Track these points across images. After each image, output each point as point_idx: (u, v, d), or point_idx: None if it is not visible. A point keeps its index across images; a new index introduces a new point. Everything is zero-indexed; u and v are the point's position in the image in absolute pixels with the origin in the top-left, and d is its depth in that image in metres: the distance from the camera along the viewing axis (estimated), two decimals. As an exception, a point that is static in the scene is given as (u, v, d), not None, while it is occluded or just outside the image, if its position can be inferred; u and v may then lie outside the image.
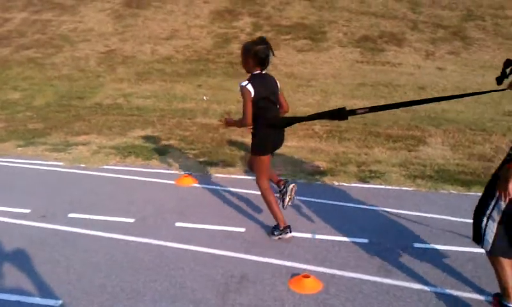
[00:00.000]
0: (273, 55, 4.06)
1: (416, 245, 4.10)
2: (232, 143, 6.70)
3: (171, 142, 6.98)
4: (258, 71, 4.03)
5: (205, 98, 9.29)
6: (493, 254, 3.16)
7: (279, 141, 4.24)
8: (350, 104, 7.96)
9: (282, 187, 4.31)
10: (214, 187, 5.46)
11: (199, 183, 5.54)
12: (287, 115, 4.37)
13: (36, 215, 4.76)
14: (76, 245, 4.21)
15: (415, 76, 11.00)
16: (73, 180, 5.70)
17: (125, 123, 7.87)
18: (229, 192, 5.32)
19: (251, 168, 4.46)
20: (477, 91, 4.11)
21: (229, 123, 4.31)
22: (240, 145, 6.75)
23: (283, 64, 11.48)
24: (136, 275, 3.68)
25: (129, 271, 3.77)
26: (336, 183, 5.50)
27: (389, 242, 4.14)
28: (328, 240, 4.20)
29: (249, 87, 3.94)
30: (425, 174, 5.71)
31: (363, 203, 4.96)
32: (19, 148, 6.81)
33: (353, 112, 4.03)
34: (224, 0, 14.57)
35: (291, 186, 4.31)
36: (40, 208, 4.88)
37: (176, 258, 3.94)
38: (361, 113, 4.02)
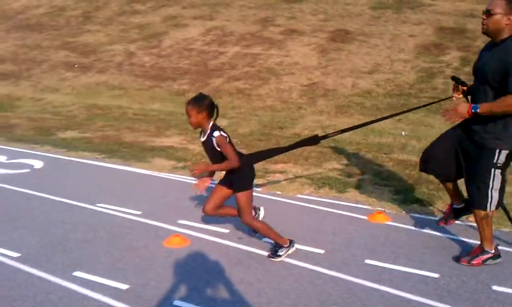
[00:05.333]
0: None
1: None
2: (429, 182, 6.36)
3: (366, 176, 6.89)
4: (212, 123, 4.35)
5: (403, 133, 9.03)
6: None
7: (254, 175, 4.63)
8: None
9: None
10: (409, 226, 5.22)
11: (392, 221, 5.35)
12: None
13: (234, 235, 5.04)
14: (267, 269, 4.34)
15: None
16: (269, 206, 5.92)
17: (321, 155, 7.98)
18: (424, 233, 5.05)
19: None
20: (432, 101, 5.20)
21: (207, 168, 4.43)
22: (438, 185, 6.38)
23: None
24: (322, 308, 3.66)
25: (315, 303, 3.76)
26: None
27: None
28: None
29: (222, 133, 4.32)
30: None
31: None
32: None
33: (325, 136, 4.97)
34: (432, 33, 14.11)
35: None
36: (238, 229, 5.15)
37: (364, 297, 3.83)
38: (333, 136, 4.88)
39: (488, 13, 3.98)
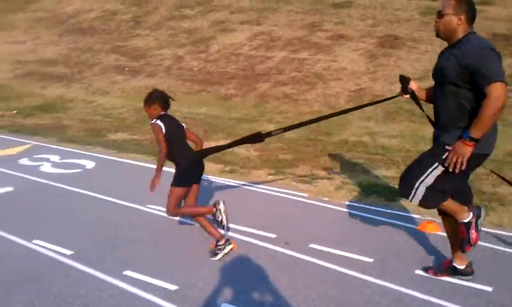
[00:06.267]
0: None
1: None
2: (482, 192, 6.20)
3: (415, 184, 6.75)
4: (163, 113, 4.68)
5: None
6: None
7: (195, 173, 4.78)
8: None
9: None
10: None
11: (443, 231, 5.23)
12: None
13: (280, 240, 5.03)
14: (314, 275, 4.32)
15: None
16: (316, 212, 5.90)
17: (369, 161, 7.89)
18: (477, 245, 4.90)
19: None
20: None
21: (155, 175, 4.65)
22: (491, 196, 6.21)
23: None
24: (370, 317, 3.61)
25: (364, 312, 3.72)
26: None
27: None
28: None
29: (159, 122, 4.58)
30: None
31: None
32: (270, 176, 7.33)
33: (269, 134, 4.78)
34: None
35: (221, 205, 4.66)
36: (284, 234, 5.14)
37: (414, 307, 3.76)
38: (276, 134, 4.74)
39: (440, 14, 3.84)
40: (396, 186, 6.61)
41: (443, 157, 3.75)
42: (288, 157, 8.28)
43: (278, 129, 4.71)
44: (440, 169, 3.79)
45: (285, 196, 6.48)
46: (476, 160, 3.77)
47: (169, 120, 4.69)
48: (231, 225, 5.42)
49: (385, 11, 16.44)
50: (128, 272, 4.37)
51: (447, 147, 3.74)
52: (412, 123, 9.86)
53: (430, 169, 3.83)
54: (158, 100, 4.69)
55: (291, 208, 6.08)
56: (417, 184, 3.87)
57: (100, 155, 8.48)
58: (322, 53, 14.45)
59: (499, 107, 3.45)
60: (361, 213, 5.81)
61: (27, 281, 4.28)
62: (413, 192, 3.89)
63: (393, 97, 4.07)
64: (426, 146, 8.87)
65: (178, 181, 4.71)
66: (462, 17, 3.73)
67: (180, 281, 4.23)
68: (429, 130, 8.90)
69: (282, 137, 9.52)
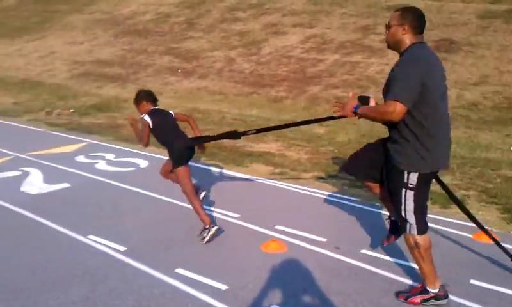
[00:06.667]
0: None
1: None
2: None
3: (471, 192, 6.57)
4: (152, 108, 5.30)
5: (512, 149, 8.53)
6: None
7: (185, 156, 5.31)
8: None
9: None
10: (518, 248, 4.92)
11: (499, 240, 5.06)
12: None
13: (330, 245, 4.99)
14: (366, 282, 4.26)
15: None
16: (367, 217, 5.81)
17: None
18: (536, 257, 4.72)
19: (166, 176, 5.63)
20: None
21: (134, 124, 5.25)
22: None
23: None
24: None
25: (418, 320, 3.63)
26: None
27: None
28: None
29: (146, 117, 5.14)
30: None
31: None
32: (320, 180, 7.27)
33: (244, 133, 5.03)
34: (545, 43, 13.26)
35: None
36: (335, 238, 5.10)
37: (469, 319, 3.66)
38: (251, 134, 4.95)
39: (387, 26, 3.84)
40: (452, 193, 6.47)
41: (405, 181, 3.72)
42: (339, 161, 8.19)
43: (252, 129, 5.02)
44: (410, 192, 3.74)
45: (336, 200, 6.42)
46: (429, 177, 3.82)
47: (157, 114, 5.28)
48: (281, 227, 5.42)
49: (441, 15, 16.07)
50: (180, 270, 4.43)
51: (403, 171, 3.72)
52: (468, 129, 9.60)
53: (403, 196, 3.77)
54: (145, 97, 5.34)
55: (342, 212, 6.01)
56: (404, 214, 3.81)
57: (153, 155, 8.63)
58: (376, 56, 14.26)
59: (387, 118, 3.60)
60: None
61: (83, 275, 4.40)
62: (408, 224, 3.81)
63: (342, 117, 4.03)
64: (482, 153, 8.68)
65: (176, 162, 5.25)
66: (406, 27, 3.71)
67: (231, 281, 4.25)
68: (484, 137, 8.69)
69: (333, 141, 9.45)
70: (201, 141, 5.55)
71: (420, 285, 4.00)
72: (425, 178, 3.74)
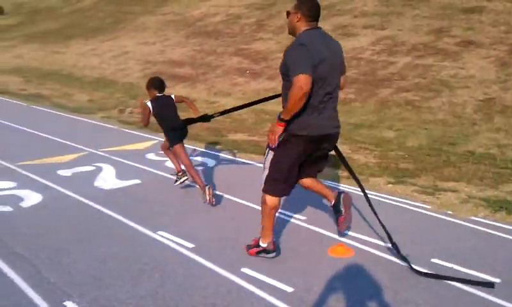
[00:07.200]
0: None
1: None
2: None
3: None
4: (158, 94, 6.36)
5: None
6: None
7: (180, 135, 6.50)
8: None
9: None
10: None
11: None
12: None
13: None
14: (435, 291, 4.13)
15: None
16: (439, 226, 5.64)
17: (498, 176, 7.39)
18: None
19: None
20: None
21: (141, 106, 6.38)
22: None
23: None
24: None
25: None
26: None
27: None
28: None
29: (148, 102, 6.25)
30: None
31: None
32: (389, 185, 7.12)
33: (211, 116, 6.04)
34: None
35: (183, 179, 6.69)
36: (404, 246, 4.95)
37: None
38: (217, 117, 6.06)
39: (287, 14, 4.42)
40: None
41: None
42: (409, 165, 7.99)
43: (216, 112, 6.08)
44: (270, 152, 4.38)
45: (406, 206, 6.26)
46: (306, 143, 4.31)
47: (160, 100, 6.31)
48: (350, 232, 5.34)
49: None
50: (246, 270, 4.46)
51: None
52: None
53: (266, 153, 4.47)
54: (153, 85, 6.34)
55: (412, 219, 5.86)
56: (264, 169, 4.52)
57: (220, 154, 8.74)
58: (449, 59, 13.82)
59: (300, 95, 3.93)
60: (489, 230, 5.46)
61: (152, 269, 4.51)
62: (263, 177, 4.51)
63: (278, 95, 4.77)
64: None
65: (171, 142, 6.44)
66: (298, 15, 4.24)
67: (297, 283, 4.24)
68: None
69: (403, 146, 9.23)
70: (188, 123, 6.45)
71: (256, 239, 4.72)
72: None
